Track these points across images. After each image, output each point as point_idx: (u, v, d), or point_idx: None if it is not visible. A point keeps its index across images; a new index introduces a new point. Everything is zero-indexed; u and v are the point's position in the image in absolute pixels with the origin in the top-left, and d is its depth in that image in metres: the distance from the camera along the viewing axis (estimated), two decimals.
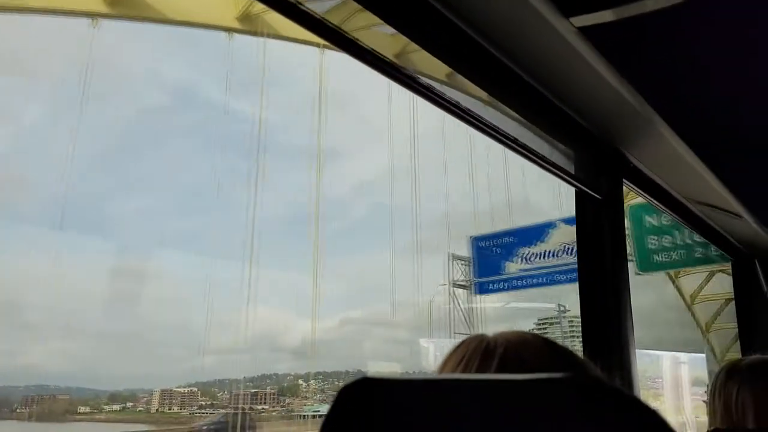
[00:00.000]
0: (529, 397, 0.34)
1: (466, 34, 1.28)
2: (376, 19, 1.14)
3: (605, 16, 1.11)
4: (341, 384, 0.34)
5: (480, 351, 0.53)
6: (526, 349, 0.52)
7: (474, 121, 1.43)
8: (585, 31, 1.14)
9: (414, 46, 1.23)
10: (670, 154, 1.82)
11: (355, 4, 1.08)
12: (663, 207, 2.33)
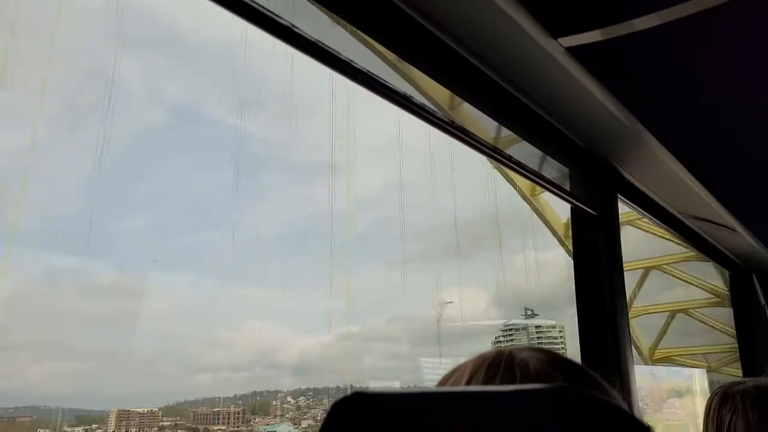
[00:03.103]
0: (512, 407, 0.35)
1: (463, 57, 1.31)
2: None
3: (593, 36, 1.14)
4: (330, 401, 0.35)
5: (486, 365, 0.54)
6: (532, 362, 0.53)
7: (470, 140, 1.46)
8: (573, 51, 1.17)
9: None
10: (662, 170, 1.85)
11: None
12: (658, 221, 2.35)
